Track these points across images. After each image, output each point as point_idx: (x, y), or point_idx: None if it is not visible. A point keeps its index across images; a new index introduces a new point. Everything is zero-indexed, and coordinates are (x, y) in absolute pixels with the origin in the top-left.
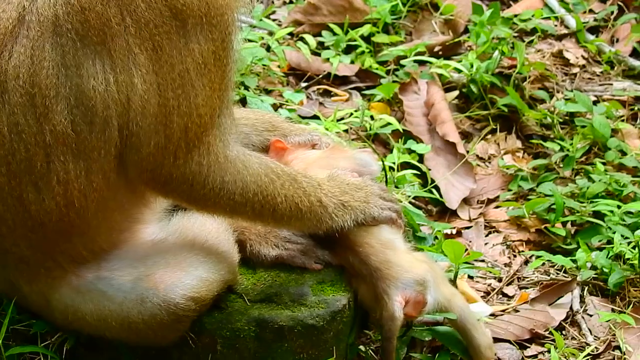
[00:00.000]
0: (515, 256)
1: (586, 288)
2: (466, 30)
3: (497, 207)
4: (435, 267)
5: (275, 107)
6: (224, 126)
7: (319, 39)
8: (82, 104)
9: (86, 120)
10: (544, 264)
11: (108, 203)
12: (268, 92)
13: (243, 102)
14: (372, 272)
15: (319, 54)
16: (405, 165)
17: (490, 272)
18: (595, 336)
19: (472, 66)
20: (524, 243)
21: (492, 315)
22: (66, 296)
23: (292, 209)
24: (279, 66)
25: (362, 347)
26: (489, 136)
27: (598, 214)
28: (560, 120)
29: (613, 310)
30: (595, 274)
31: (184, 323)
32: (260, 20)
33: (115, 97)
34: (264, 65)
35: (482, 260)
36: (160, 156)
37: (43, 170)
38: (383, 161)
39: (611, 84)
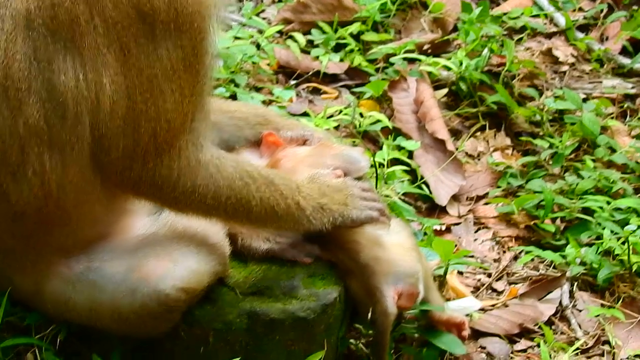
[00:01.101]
0: (504, 252)
1: (575, 283)
2: (455, 29)
3: (486, 203)
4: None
5: (265, 104)
6: (197, 130)
7: (309, 37)
8: (53, 98)
9: (58, 115)
10: (533, 259)
11: (87, 196)
12: (258, 90)
13: (233, 99)
14: (361, 269)
15: (308, 52)
16: (394, 162)
17: (480, 267)
18: (584, 331)
19: (461, 64)
20: (513, 239)
21: (482, 310)
22: (57, 287)
23: (268, 211)
24: (268, 64)
25: (352, 341)
26: (478, 133)
27: (587, 210)
28: (550, 117)
29: (602, 305)
30: (584, 270)
31: (174, 314)
32: (250, 18)
33: (85, 95)
34: (253, 62)
35: (472, 256)
36: (129, 159)
37: (19, 162)
38: (373, 157)
39: (600, 82)
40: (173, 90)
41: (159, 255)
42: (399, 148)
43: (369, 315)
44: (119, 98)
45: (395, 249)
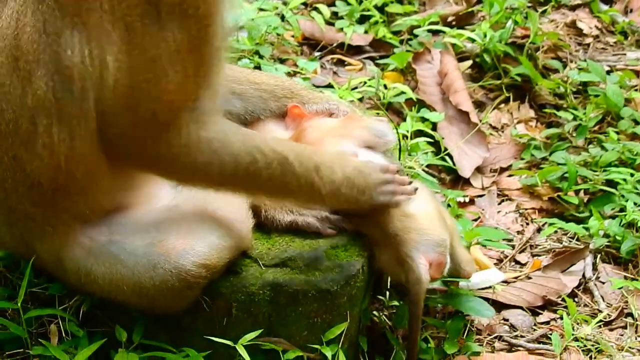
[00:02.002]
0: (527, 224)
1: (599, 256)
2: (479, 1)
3: (510, 175)
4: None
5: (290, 76)
6: (200, 108)
7: (333, 8)
8: (61, 72)
9: (65, 88)
10: (556, 231)
11: (97, 168)
12: (282, 61)
13: (258, 70)
14: (391, 239)
15: (332, 24)
16: (418, 134)
17: (503, 239)
18: (607, 303)
19: (485, 36)
20: (536, 211)
21: (505, 282)
22: (78, 258)
23: (279, 188)
24: (293, 36)
25: (375, 313)
26: (502, 105)
27: (611, 183)
28: (574, 89)
29: (625, 278)
30: (607, 242)
31: (194, 290)
32: None
33: (90, 71)
34: (278, 34)
35: (495, 228)
36: (131, 137)
37: (29, 132)
38: (397, 129)
39: (624, 54)
40: (176, 71)
41: (181, 230)
42: (423, 120)
43: (404, 281)
44: (122, 77)
45: (424, 218)
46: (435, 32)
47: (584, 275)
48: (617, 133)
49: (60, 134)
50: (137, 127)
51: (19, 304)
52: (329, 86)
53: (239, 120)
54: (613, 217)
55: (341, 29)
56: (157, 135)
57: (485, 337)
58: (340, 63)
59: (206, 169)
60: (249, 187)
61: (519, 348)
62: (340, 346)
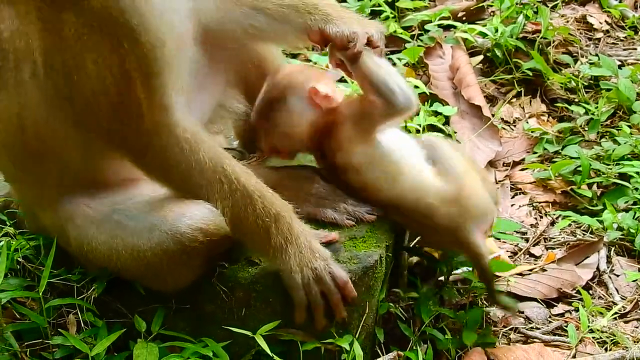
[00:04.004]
0: (541, 217)
1: (613, 248)
2: None
3: (522, 169)
4: None
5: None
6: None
7: (344, 4)
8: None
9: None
10: (570, 224)
11: (69, 141)
12: (294, 56)
13: None
14: (442, 229)
15: None
16: (431, 128)
17: (517, 232)
18: (622, 296)
19: (496, 31)
20: (550, 204)
21: (520, 274)
22: (81, 226)
23: (236, 218)
24: None
25: (392, 304)
26: (514, 100)
27: (624, 176)
28: (585, 84)
29: (639, 270)
30: (621, 235)
31: (192, 258)
32: None
33: (20, 48)
34: None
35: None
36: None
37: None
38: (405, 125)
39: (635, 49)
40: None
41: (185, 200)
42: (436, 114)
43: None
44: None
45: (468, 193)
46: (446, 27)
47: (598, 268)
48: (630, 127)
49: (5, 100)
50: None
51: (40, 294)
52: (342, 80)
53: (262, 37)
54: (626, 210)
55: None
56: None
57: (500, 329)
58: None
59: (172, 165)
60: (211, 200)
61: (535, 340)
62: (356, 337)
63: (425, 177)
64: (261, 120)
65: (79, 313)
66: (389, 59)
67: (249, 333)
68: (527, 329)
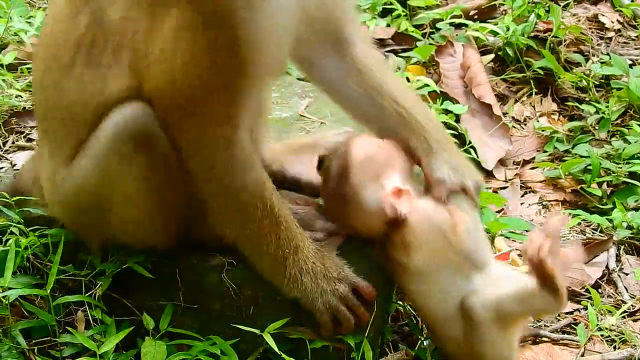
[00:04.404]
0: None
1: (622, 247)
2: None
3: (533, 168)
4: None
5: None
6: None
7: (355, 2)
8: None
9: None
10: (580, 223)
11: None
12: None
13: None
14: None
15: None
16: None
17: (527, 231)
18: (631, 294)
19: (508, 29)
20: (560, 203)
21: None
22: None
23: (257, 243)
24: None
25: (400, 303)
26: (525, 98)
27: (634, 175)
28: (596, 83)
29: None
30: (631, 233)
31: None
32: None
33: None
34: None
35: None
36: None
37: (67, 66)
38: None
39: None
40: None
41: None
42: (446, 112)
43: None
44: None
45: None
46: (457, 26)
47: (607, 267)
48: None
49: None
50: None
51: (48, 291)
52: None
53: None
54: (636, 209)
55: (364, 23)
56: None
57: None
58: None
59: (217, 177)
60: (242, 223)
61: (543, 338)
62: (366, 335)
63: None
64: (330, 201)
65: (87, 310)
66: (400, 57)
67: (256, 331)
68: (535, 327)
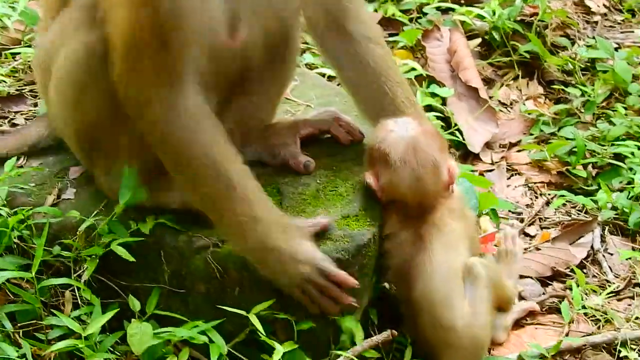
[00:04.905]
0: (537, 197)
1: (607, 228)
2: None
3: (519, 150)
4: None
5: (302, 52)
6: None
7: None
8: None
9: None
10: (565, 204)
11: None
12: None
13: None
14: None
15: None
16: (428, 109)
17: (512, 212)
18: (615, 274)
19: (494, 13)
20: (545, 185)
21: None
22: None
23: (215, 206)
24: None
25: (386, 285)
26: (511, 82)
27: (619, 156)
28: (582, 66)
29: (633, 249)
30: (615, 214)
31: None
32: None
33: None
34: None
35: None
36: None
37: None
38: None
39: (632, 32)
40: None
41: None
42: (433, 95)
43: None
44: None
45: (477, 341)
46: (444, 10)
47: (592, 247)
48: (625, 108)
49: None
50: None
51: (33, 274)
52: None
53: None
54: (621, 190)
55: None
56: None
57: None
58: None
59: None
60: (194, 183)
61: (527, 319)
62: (354, 316)
63: (460, 298)
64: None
65: (75, 291)
66: (386, 42)
67: (242, 312)
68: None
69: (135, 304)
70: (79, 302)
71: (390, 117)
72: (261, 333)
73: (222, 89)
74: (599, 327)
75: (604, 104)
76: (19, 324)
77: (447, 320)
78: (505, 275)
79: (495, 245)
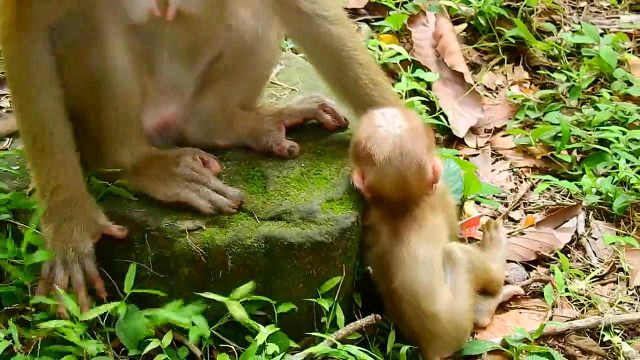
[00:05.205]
0: (521, 182)
1: (591, 212)
2: None
3: (504, 135)
4: None
5: (286, 37)
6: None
7: None
8: None
9: None
10: (549, 189)
11: None
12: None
13: None
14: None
15: None
16: (413, 94)
17: (497, 196)
18: (599, 258)
19: None
20: (530, 169)
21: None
22: None
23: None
24: None
25: (369, 269)
26: (497, 67)
27: (603, 142)
28: (567, 51)
29: (617, 234)
30: (600, 199)
31: None
32: None
33: None
34: None
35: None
36: None
37: None
38: None
39: (618, 17)
40: None
41: None
42: (418, 80)
43: None
44: None
45: (459, 323)
46: None
47: (576, 232)
48: (610, 94)
49: None
50: None
51: (24, 251)
52: None
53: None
54: (605, 175)
55: None
56: None
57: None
58: None
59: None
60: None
61: (511, 304)
62: (335, 299)
63: (442, 285)
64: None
65: None
66: (372, 26)
67: (223, 299)
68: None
69: (117, 286)
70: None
71: (356, 100)
72: (241, 320)
73: (178, 61)
74: (582, 312)
75: (589, 89)
76: (5, 308)
77: (429, 308)
78: (491, 260)
79: (480, 230)
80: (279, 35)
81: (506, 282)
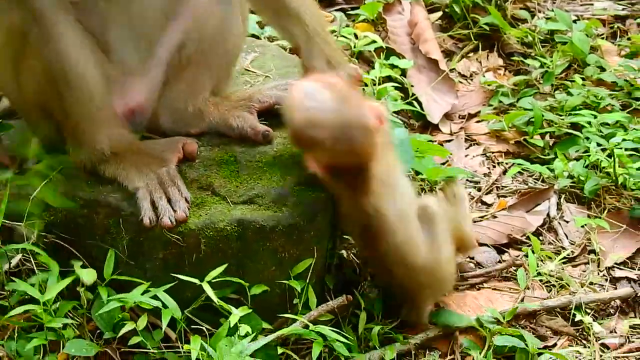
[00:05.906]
0: (494, 166)
1: (563, 196)
2: None
3: (478, 121)
4: None
5: (262, 26)
6: None
7: None
8: None
9: None
10: (522, 172)
11: None
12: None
13: None
14: None
15: None
16: (387, 80)
17: (470, 180)
18: (571, 241)
19: None
20: (503, 154)
21: (472, 221)
22: None
23: None
24: None
25: (344, 252)
26: (471, 54)
27: (576, 126)
28: (541, 38)
29: (589, 216)
30: (572, 182)
31: None
32: None
33: None
34: None
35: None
36: None
37: None
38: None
39: (592, 4)
40: None
41: None
42: (392, 67)
43: None
44: None
45: (442, 268)
46: None
47: (548, 215)
48: (583, 79)
49: None
50: None
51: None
52: None
53: None
54: (577, 158)
55: None
56: None
57: None
58: None
59: None
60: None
61: (484, 284)
62: (307, 281)
63: (421, 236)
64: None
65: (31, 257)
66: (348, 15)
67: (196, 281)
68: (477, 274)
69: (91, 271)
70: (37, 265)
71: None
72: (214, 302)
73: (133, 41)
74: (552, 293)
75: (562, 75)
76: None
77: (415, 261)
78: (460, 216)
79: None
80: (244, 18)
81: (478, 264)
